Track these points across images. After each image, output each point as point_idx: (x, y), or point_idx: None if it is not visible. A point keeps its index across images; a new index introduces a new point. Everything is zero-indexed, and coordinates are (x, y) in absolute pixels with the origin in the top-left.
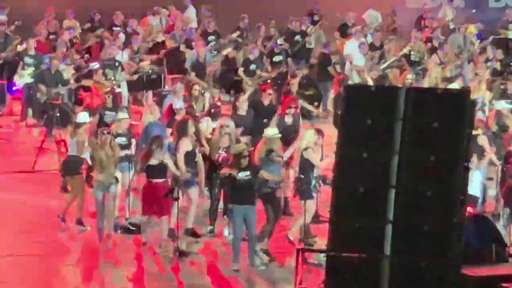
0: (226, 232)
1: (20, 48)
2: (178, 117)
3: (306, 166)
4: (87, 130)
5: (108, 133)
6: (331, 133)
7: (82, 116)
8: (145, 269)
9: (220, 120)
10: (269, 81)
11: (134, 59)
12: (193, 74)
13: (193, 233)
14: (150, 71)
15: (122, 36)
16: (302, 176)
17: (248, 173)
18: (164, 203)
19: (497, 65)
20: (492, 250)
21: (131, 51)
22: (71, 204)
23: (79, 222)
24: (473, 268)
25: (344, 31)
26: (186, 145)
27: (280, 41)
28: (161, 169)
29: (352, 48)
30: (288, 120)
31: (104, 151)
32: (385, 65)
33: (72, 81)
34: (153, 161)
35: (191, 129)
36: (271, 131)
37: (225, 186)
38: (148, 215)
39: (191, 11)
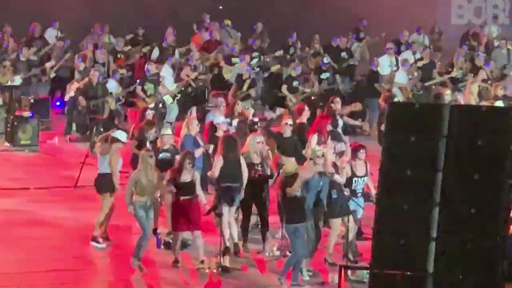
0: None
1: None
2: (219, 133)
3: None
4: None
5: (151, 157)
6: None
7: (119, 134)
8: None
9: (254, 135)
10: (313, 97)
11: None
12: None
13: (235, 251)
14: (194, 87)
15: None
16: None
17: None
18: (194, 218)
19: None
20: None
21: (190, 67)
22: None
23: (95, 240)
24: None
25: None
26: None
27: (326, 59)
28: (191, 186)
29: (383, 64)
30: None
31: (146, 176)
32: (430, 82)
33: (121, 97)
34: (184, 178)
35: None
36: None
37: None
38: (178, 231)
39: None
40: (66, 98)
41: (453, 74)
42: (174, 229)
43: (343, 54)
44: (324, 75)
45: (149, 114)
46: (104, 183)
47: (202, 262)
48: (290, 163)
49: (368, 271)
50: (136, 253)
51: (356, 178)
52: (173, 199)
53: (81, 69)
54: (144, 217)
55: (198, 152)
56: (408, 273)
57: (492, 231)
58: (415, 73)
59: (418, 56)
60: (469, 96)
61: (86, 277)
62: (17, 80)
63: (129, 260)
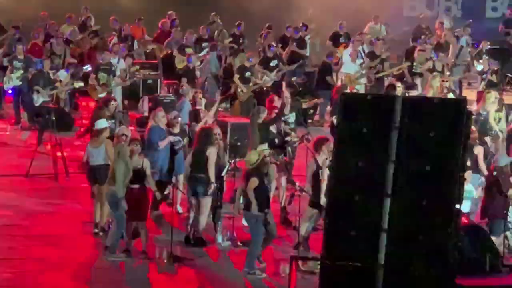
0: (220, 238)
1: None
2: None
3: None
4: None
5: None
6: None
7: (101, 122)
8: None
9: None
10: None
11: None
12: (184, 80)
13: (202, 241)
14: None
15: (119, 44)
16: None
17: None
18: (142, 208)
19: (493, 77)
20: (486, 260)
21: (131, 58)
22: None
23: (103, 230)
24: (467, 278)
25: (336, 41)
26: (215, 154)
27: (273, 49)
28: (139, 174)
29: (344, 56)
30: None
31: (122, 163)
32: (380, 75)
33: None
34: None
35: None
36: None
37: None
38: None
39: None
40: (8, 86)
41: (405, 65)
42: (130, 219)
43: (294, 45)
44: (272, 63)
45: (113, 105)
46: (102, 175)
47: (144, 252)
48: (252, 154)
49: (319, 262)
50: (111, 244)
51: (321, 170)
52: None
53: (21, 58)
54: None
55: (163, 144)
56: (359, 264)
57: (443, 222)
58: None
59: (366, 48)
60: (429, 89)
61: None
62: None
63: None
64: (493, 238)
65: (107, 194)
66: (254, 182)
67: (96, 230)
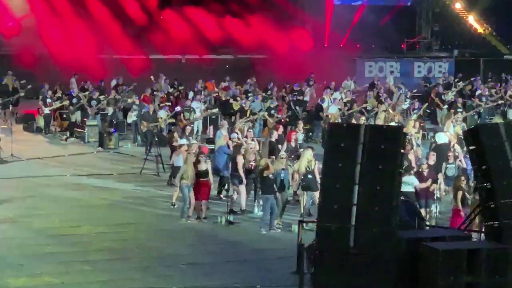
0: (256, 211)
1: (130, 101)
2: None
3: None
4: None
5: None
6: (320, 152)
7: (181, 141)
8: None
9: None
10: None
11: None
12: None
13: (243, 211)
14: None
15: (191, 93)
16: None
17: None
18: (206, 192)
19: (421, 111)
20: (415, 223)
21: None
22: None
23: (173, 205)
24: (405, 233)
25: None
26: (241, 160)
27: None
28: (206, 173)
29: (327, 101)
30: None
31: (191, 167)
32: (350, 111)
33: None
34: (201, 167)
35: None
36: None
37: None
38: (196, 200)
39: None
40: (129, 120)
41: (366, 106)
42: (196, 198)
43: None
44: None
45: (188, 128)
46: (176, 172)
47: (205, 218)
48: (262, 160)
49: (316, 224)
50: (182, 214)
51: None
52: (195, 179)
53: (137, 104)
54: (187, 192)
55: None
56: (339, 225)
57: (390, 199)
58: (343, 106)
59: (343, 95)
60: (378, 120)
61: None
62: (110, 110)
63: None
64: (422, 209)
65: (182, 184)
66: (267, 172)
67: (173, 203)
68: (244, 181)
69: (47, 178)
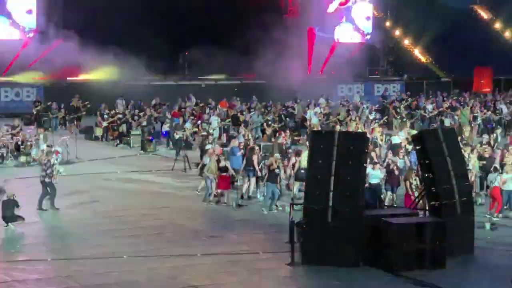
0: (259, 196)
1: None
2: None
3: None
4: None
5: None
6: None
7: (208, 146)
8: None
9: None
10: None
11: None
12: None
13: (249, 198)
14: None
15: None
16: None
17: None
18: (227, 183)
19: (381, 121)
20: (377, 204)
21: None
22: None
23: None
24: (368, 211)
25: (308, 106)
26: (256, 158)
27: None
28: (226, 168)
29: (309, 114)
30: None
31: (214, 164)
32: (327, 121)
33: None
34: (222, 164)
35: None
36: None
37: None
38: (219, 188)
39: None
40: (163, 130)
41: (339, 117)
42: (219, 188)
43: (290, 109)
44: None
45: (210, 137)
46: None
47: (225, 202)
48: (270, 158)
49: (303, 205)
50: (204, 199)
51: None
52: (218, 174)
53: (169, 118)
54: (209, 183)
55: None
56: (321, 206)
57: (357, 186)
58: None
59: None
60: (348, 128)
61: None
62: (145, 123)
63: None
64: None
65: (205, 176)
66: (271, 165)
67: (198, 191)
68: (259, 173)
69: (103, 174)
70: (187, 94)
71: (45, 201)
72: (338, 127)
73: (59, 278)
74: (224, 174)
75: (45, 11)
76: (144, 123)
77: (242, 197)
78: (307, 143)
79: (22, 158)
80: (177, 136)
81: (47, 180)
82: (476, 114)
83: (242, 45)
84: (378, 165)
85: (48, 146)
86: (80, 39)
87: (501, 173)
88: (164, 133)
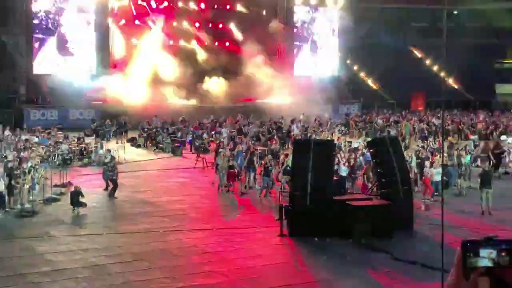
0: (256, 186)
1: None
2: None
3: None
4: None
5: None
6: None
7: (221, 150)
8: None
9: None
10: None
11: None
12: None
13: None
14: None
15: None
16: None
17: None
18: (234, 177)
19: (345, 131)
20: (344, 191)
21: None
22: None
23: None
24: (337, 197)
25: (292, 122)
26: (255, 159)
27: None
28: (232, 166)
29: (293, 127)
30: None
31: (225, 163)
32: (306, 132)
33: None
34: (230, 163)
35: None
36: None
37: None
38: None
39: None
40: (187, 140)
41: (314, 129)
42: (228, 181)
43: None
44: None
45: (221, 144)
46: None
47: (232, 191)
48: (265, 159)
49: (289, 193)
50: (218, 189)
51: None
52: (228, 170)
53: (192, 130)
54: (222, 176)
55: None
56: (302, 193)
57: (327, 179)
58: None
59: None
60: (321, 137)
61: None
62: (178, 134)
63: None
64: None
65: (218, 172)
66: (265, 163)
67: (213, 183)
68: (257, 170)
69: (144, 171)
70: (206, 113)
71: (107, 192)
72: (313, 136)
73: (112, 247)
74: (232, 170)
75: (99, 56)
76: (178, 134)
77: (244, 187)
78: (291, 148)
79: (85, 160)
80: (197, 144)
81: (114, 177)
82: (414, 126)
83: (243, 77)
84: (341, 163)
85: (108, 150)
86: (122, 75)
87: (431, 168)
88: (188, 141)
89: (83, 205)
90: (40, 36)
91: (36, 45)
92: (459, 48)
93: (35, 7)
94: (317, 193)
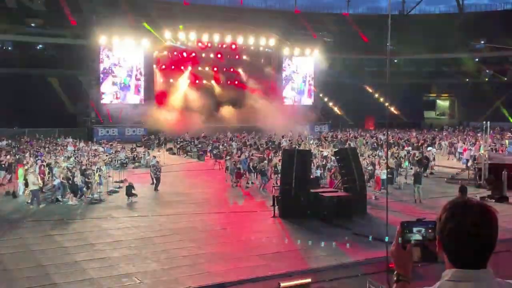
0: (257, 182)
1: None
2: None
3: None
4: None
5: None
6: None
7: (228, 155)
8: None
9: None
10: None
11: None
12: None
13: (252, 183)
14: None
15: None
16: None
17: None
18: (240, 176)
19: (320, 143)
20: (319, 185)
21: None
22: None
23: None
24: (313, 189)
25: (283, 136)
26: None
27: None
28: (239, 168)
29: (283, 141)
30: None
31: (233, 165)
32: (292, 144)
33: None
34: (238, 166)
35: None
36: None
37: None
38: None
39: None
40: (208, 149)
41: (298, 142)
42: (236, 178)
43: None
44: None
45: (229, 151)
46: (229, 168)
47: (240, 186)
48: (263, 163)
49: (279, 187)
50: (230, 183)
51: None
52: (236, 171)
53: (203, 140)
54: (232, 176)
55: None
56: (288, 187)
57: (306, 177)
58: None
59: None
60: (301, 147)
61: None
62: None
63: None
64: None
65: (229, 172)
66: (263, 166)
67: (226, 179)
68: (253, 172)
69: (177, 172)
70: (221, 132)
71: (152, 186)
72: (296, 147)
73: (155, 225)
74: (239, 171)
75: (146, 90)
76: (199, 145)
77: (247, 183)
78: (281, 155)
79: (136, 164)
80: (215, 152)
81: (158, 175)
82: (367, 140)
83: (247, 106)
84: (315, 166)
85: (154, 156)
86: (162, 104)
87: (380, 170)
88: (209, 150)
89: (135, 195)
90: (102, 76)
91: (102, 83)
92: (398, 86)
93: (102, 61)
94: (299, 187)
